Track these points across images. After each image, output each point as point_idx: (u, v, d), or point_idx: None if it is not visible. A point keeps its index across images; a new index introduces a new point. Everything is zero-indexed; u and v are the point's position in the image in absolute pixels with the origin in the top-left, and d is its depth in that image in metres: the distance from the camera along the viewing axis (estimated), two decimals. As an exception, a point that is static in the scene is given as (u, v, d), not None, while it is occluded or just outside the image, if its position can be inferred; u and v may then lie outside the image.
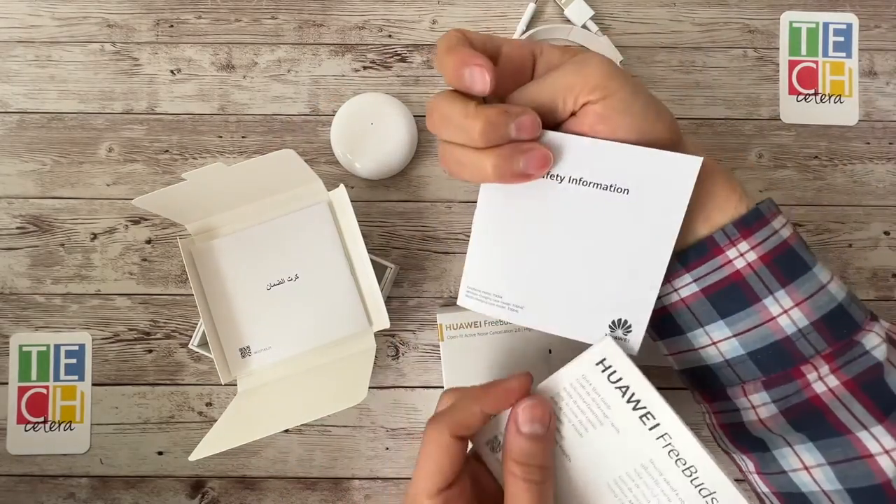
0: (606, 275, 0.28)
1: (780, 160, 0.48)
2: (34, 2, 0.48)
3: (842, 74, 0.49)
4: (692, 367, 0.31)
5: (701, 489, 0.27)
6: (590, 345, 0.28)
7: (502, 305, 0.29)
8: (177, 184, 0.37)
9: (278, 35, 0.48)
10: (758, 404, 0.30)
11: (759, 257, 0.29)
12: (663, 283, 0.28)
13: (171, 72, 0.48)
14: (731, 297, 0.29)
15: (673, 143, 0.28)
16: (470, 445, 0.30)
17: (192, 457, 0.34)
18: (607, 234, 0.27)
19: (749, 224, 0.29)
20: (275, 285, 0.42)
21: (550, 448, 0.28)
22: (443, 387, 0.42)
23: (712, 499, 0.27)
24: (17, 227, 0.47)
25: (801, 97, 0.48)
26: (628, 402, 0.27)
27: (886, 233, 0.48)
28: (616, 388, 0.28)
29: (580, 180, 0.26)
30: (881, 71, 0.49)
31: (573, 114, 0.28)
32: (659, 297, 0.29)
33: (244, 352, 0.42)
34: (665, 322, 0.31)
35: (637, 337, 0.28)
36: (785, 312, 0.28)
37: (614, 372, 0.28)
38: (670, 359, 0.33)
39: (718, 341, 0.30)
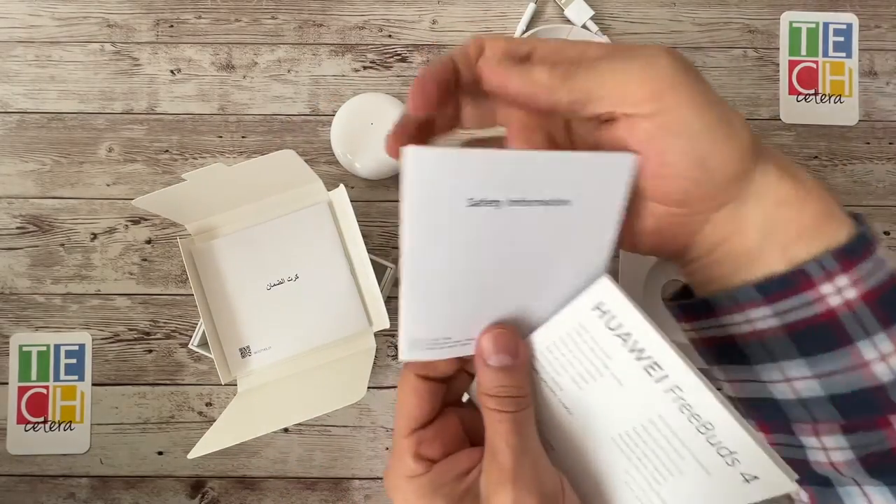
0: (555, 288, 0.26)
1: (780, 160, 0.48)
2: (34, 2, 0.48)
3: (842, 74, 0.49)
4: (754, 398, 0.28)
5: (720, 449, 0.24)
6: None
7: (453, 345, 0.26)
8: (177, 184, 0.37)
9: (278, 35, 0.48)
10: (831, 447, 0.27)
11: (859, 295, 0.25)
12: (733, 312, 0.26)
13: (171, 72, 0.48)
14: (818, 337, 0.26)
15: (743, 172, 0.25)
16: (467, 397, 0.29)
17: (192, 454, 0.34)
18: (552, 250, 0.24)
19: (852, 255, 0.25)
20: (275, 285, 0.42)
21: (523, 376, 0.26)
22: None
23: (733, 459, 0.24)
24: (17, 227, 0.47)
25: (801, 97, 0.48)
26: (630, 351, 0.25)
27: (886, 233, 0.48)
28: (616, 335, 0.25)
29: (519, 200, 0.23)
30: (881, 71, 0.49)
31: (603, 120, 0.25)
32: (724, 325, 0.27)
33: (244, 352, 0.42)
34: (728, 350, 0.28)
35: None
36: (883, 359, 0.25)
37: (613, 318, 0.25)
38: (725, 384, 0.30)
39: (794, 379, 0.26)
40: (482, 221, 0.23)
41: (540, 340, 0.27)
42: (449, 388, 0.29)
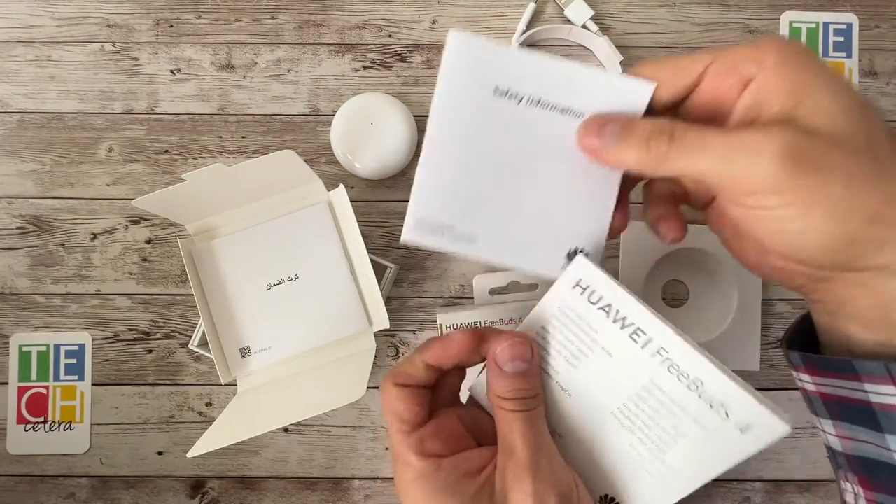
0: (561, 202, 0.26)
1: (780, 160, 0.48)
2: (34, 2, 0.48)
3: (842, 74, 0.49)
4: (867, 457, 0.27)
5: (712, 403, 0.25)
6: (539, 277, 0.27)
7: (454, 238, 0.26)
8: (177, 184, 0.37)
9: (278, 35, 0.48)
10: None
11: None
12: (874, 381, 0.25)
13: (171, 72, 0.48)
14: None
15: (875, 242, 0.22)
16: (468, 395, 0.30)
17: (191, 453, 0.34)
18: (562, 160, 0.25)
19: None
20: (275, 285, 0.42)
21: (536, 376, 0.27)
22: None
23: (726, 412, 0.24)
24: (17, 227, 0.47)
25: (801, 97, 0.48)
26: (614, 321, 0.25)
27: (886, 233, 0.48)
28: (598, 308, 0.26)
29: (538, 101, 0.25)
30: (881, 71, 0.49)
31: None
32: (866, 391, 0.26)
33: (244, 352, 0.42)
34: (858, 413, 0.26)
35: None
36: None
37: (593, 292, 0.26)
38: (831, 438, 0.29)
39: None
40: (503, 114, 0.25)
41: (529, 327, 0.27)
42: (441, 390, 0.29)
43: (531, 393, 0.26)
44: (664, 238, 0.29)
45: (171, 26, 0.48)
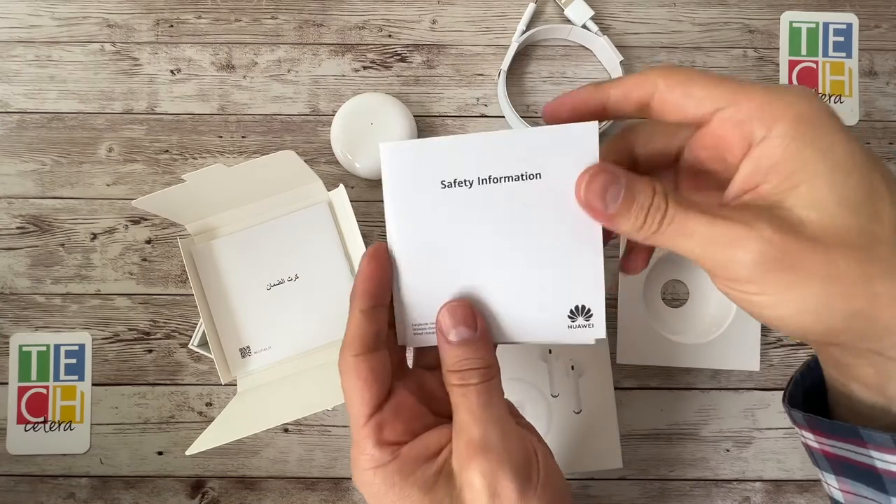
0: (547, 265, 0.26)
1: (780, 160, 0.48)
2: (34, 2, 0.48)
3: (842, 74, 0.49)
4: None
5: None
6: (553, 346, 0.26)
7: None
8: (177, 184, 0.37)
9: (278, 35, 0.48)
10: None
11: None
12: (880, 450, 0.25)
13: (171, 72, 0.48)
14: None
15: (860, 322, 0.22)
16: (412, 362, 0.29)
17: (190, 451, 0.34)
18: (534, 224, 0.25)
19: None
20: (275, 285, 0.42)
21: (484, 347, 0.25)
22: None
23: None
24: (17, 227, 0.47)
25: (801, 97, 0.48)
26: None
27: (886, 233, 0.48)
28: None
29: (489, 179, 0.25)
30: (881, 71, 0.49)
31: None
32: (872, 457, 0.25)
33: (244, 352, 0.42)
34: (862, 474, 0.26)
35: (600, 320, 0.26)
36: None
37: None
38: (834, 490, 0.28)
39: None
40: (459, 204, 0.25)
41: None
42: (392, 357, 0.27)
43: (480, 363, 0.25)
44: (623, 271, 0.29)
45: (171, 26, 0.48)
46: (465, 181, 0.25)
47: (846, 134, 0.22)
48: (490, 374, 0.25)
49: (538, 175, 0.24)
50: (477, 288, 0.26)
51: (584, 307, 0.26)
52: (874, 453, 0.25)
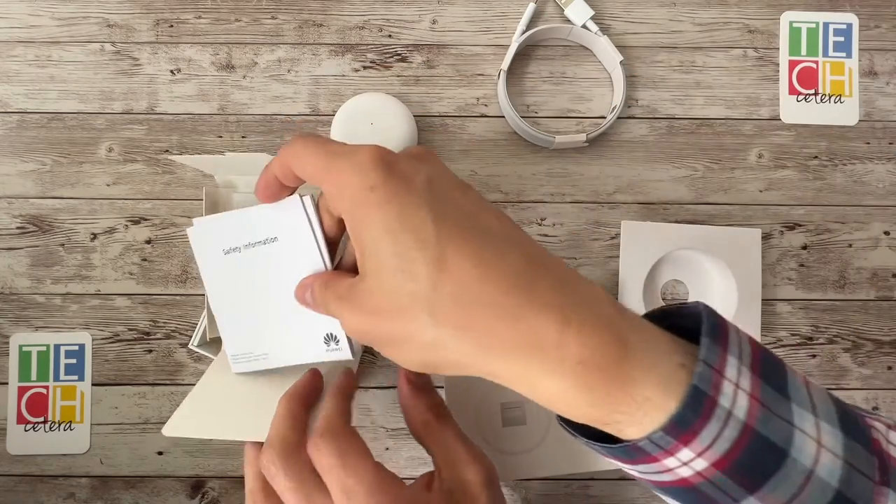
0: (299, 306, 0.31)
1: (780, 160, 0.48)
2: (34, 2, 0.48)
3: (842, 74, 0.49)
4: None
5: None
6: (317, 363, 0.33)
7: (256, 358, 0.34)
8: (217, 156, 0.37)
9: (278, 35, 0.48)
10: None
11: (711, 464, 0.22)
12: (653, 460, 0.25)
13: (171, 72, 0.48)
14: (688, 499, 0.24)
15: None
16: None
17: (168, 431, 0.33)
18: (283, 275, 0.31)
19: (686, 425, 0.21)
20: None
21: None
22: (442, 386, 0.42)
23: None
24: (17, 227, 0.47)
25: (801, 97, 0.48)
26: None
27: (886, 233, 0.48)
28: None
29: (248, 245, 0.31)
30: (881, 71, 0.49)
31: None
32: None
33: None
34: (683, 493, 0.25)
35: (344, 344, 0.32)
36: None
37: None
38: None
39: None
40: (239, 265, 0.32)
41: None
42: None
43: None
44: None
45: (171, 26, 0.48)
46: (235, 248, 0.32)
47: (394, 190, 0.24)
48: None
49: (276, 238, 0.31)
50: (264, 324, 0.33)
51: (332, 335, 0.32)
52: (639, 467, 0.24)
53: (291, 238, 0.30)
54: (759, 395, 0.22)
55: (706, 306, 0.24)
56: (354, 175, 0.24)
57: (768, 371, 0.23)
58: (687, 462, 0.22)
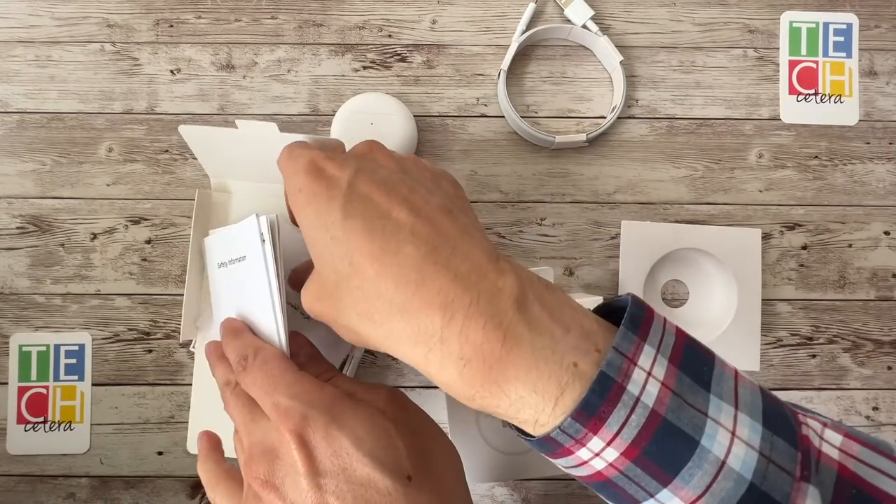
0: (265, 314, 0.33)
1: (780, 160, 0.48)
2: (34, 2, 0.48)
3: (842, 74, 0.49)
4: None
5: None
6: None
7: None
8: (227, 128, 0.36)
9: (278, 35, 0.48)
10: None
11: (621, 453, 0.22)
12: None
13: (171, 72, 0.48)
14: (610, 495, 0.24)
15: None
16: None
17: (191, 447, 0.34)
18: (253, 288, 0.33)
19: (592, 409, 0.21)
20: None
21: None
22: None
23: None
24: (17, 227, 0.47)
25: (801, 97, 0.48)
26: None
27: (886, 233, 0.48)
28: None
29: (230, 260, 0.35)
30: (881, 71, 0.49)
31: None
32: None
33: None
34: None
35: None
36: None
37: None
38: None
39: None
40: (227, 276, 0.35)
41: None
42: None
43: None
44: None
45: (171, 26, 0.48)
46: (223, 263, 0.35)
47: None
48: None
49: (245, 257, 0.34)
50: (253, 326, 0.35)
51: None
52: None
53: (253, 256, 0.33)
54: (672, 384, 0.22)
55: (634, 297, 0.24)
56: (289, 178, 0.27)
57: (690, 362, 0.23)
58: (598, 452, 0.22)
